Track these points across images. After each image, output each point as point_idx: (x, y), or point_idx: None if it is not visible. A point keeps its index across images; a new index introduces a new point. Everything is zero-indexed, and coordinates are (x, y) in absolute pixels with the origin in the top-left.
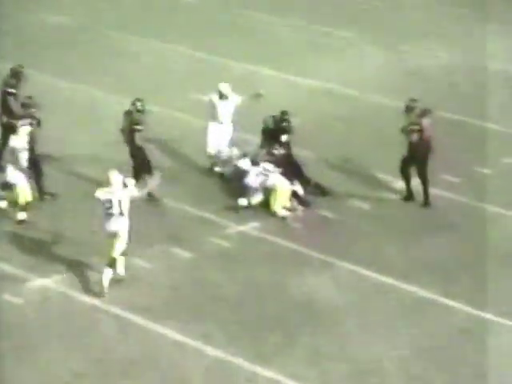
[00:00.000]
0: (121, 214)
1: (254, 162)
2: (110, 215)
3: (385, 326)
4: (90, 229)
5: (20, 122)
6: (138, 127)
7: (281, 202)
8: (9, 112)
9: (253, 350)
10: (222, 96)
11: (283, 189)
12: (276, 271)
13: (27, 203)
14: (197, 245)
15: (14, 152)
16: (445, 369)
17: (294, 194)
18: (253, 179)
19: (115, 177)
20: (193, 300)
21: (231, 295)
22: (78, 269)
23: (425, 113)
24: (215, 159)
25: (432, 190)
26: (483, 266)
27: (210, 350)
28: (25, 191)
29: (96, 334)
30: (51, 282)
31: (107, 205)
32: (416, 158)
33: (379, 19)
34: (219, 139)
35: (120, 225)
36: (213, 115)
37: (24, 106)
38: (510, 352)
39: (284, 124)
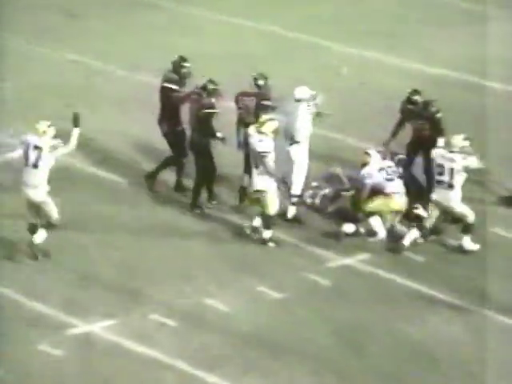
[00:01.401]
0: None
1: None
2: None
3: None
4: (149, 263)
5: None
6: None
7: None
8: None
9: None
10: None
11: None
12: (390, 315)
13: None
14: (288, 282)
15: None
16: None
17: (416, 218)
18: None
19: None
20: (281, 351)
21: (330, 347)
22: (133, 312)
23: None
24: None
25: None
26: None
27: None
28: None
29: None
30: (99, 329)
31: None
32: None
33: None
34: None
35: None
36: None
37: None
38: None
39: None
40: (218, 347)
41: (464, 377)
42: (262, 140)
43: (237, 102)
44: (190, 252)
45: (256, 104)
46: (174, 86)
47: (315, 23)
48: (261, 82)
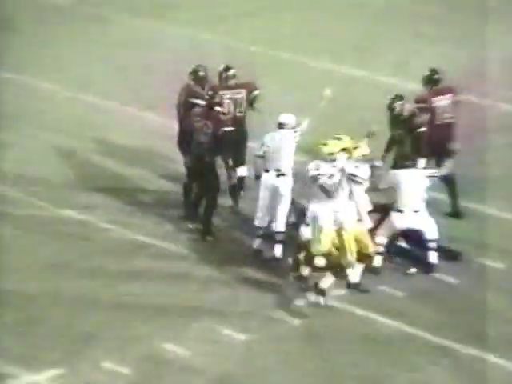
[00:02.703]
0: None
1: None
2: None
3: None
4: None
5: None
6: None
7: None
8: None
9: None
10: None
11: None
12: (376, 361)
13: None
14: (254, 322)
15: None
16: None
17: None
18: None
19: None
20: None
21: None
22: (83, 359)
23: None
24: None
25: None
26: None
27: None
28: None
29: None
30: (43, 380)
31: None
32: None
33: None
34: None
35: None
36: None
37: None
38: None
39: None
40: None
41: None
42: (358, 166)
43: (212, 98)
44: (146, 293)
45: (246, 96)
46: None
47: (284, 38)
48: (231, 73)
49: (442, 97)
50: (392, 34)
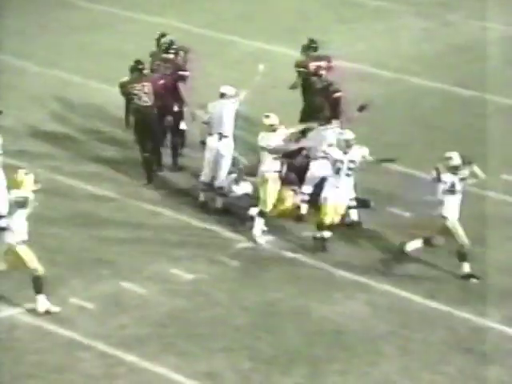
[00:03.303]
0: None
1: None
2: None
3: (432, 363)
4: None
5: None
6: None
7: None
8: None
9: None
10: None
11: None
12: (297, 296)
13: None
14: (199, 264)
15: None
16: None
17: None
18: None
19: None
20: (195, 332)
21: (242, 325)
22: (53, 296)
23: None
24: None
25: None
26: None
27: None
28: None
29: (76, 377)
30: (21, 313)
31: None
32: None
33: None
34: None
35: None
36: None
37: None
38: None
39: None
40: (136, 328)
41: (367, 349)
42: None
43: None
44: (108, 240)
45: (172, 74)
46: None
47: (223, 20)
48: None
49: (317, 63)
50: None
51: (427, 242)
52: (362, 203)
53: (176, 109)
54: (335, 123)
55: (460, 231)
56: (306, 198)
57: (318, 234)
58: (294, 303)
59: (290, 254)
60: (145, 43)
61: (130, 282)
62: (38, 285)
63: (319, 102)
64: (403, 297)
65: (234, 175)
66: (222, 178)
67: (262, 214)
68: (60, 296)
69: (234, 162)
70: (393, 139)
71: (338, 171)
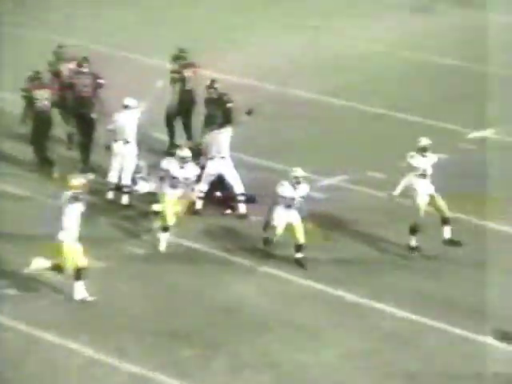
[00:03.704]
0: None
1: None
2: None
3: (311, 332)
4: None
5: None
6: None
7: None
8: None
9: (172, 363)
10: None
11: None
12: (195, 278)
13: None
14: (109, 252)
15: None
16: (372, 373)
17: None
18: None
19: None
20: (105, 312)
21: (147, 305)
22: None
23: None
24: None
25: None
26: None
27: (125, 366)
28: None
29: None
30: None
31: None
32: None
33: None
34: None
35: None
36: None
37: None
38: (440, 354)
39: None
40: (53, 311)
41: (256, 327)
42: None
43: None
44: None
45: (92, 83)
46: None
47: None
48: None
49: (189, 69)
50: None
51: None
52: (248, 198)
53: (93, 115)
54: (228, 128)
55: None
56: (202, 195)
57: (298, 255)
58: (192, 286)
59: (188, 243)
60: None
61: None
62: (79, 273)
63: (213, 110)
64: (285, 278)
65: (138, 175)
66: (127, 177)
67: (165, 228)
68: None
69: (137, 165)
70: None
71: (289, 206)
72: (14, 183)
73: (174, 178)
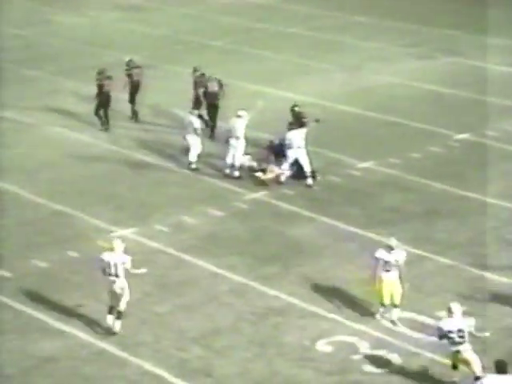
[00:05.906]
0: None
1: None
2: None
3: (350, 260)
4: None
5: None
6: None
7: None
8: None
9: (263, 276)
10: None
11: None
12: (277, 224)
13: None
14: (225, 206)
15: None
16: None
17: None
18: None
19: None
20: (222, 242)
21: (248, 240)
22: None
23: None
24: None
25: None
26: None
27: (235, 277)
28: None
29: (153, 265)
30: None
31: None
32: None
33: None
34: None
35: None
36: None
37: None
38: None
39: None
40: (193, 240)
41: (313, 257)
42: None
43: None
44: None
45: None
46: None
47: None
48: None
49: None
50: None
51: None
52: (313, 175)
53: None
54: (303, 129)
55: None
56: (286, 172)
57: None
58: (275, 228)
59: (275, 201)
60: None
61: (186, 216)
62: (119, 315)
63: (294, 120)
64: (335, 225)
65: (245, 157)
66: (238, 160)
67: (382, 305)
68: None
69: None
70: None
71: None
72: None
73: (386, 262)
